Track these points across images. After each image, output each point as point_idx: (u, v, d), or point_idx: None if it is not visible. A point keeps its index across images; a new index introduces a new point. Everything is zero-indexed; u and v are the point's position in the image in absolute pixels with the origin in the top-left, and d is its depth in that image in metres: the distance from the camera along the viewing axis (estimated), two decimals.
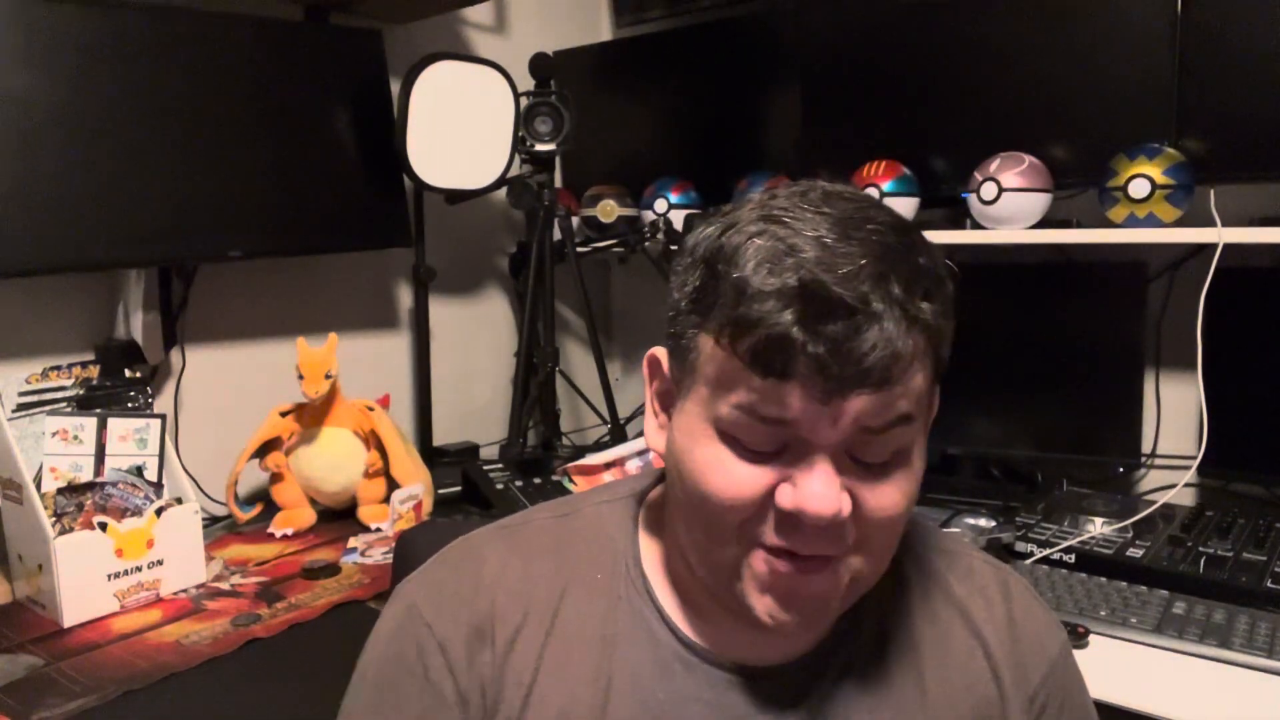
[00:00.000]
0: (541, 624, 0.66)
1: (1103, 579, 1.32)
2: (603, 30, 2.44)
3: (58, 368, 1.45)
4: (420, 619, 0.66)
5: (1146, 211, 1.44)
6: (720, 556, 0.60)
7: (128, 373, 1.51)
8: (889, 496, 0.57)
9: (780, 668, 0.65)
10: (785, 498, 0.56)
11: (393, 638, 0.67)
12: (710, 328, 0.57)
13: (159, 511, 1.36)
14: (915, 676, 0.66)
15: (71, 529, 1.30)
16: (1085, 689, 0.73)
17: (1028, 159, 1.54)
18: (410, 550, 0.99)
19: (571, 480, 1.73)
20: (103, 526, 1.30)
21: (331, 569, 1.45)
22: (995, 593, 0.70)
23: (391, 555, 1.05)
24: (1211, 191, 1.45)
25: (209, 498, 1.69)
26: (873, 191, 1.66)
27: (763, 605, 0.59)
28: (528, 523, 0.72)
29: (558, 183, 2.13)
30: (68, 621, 1.26)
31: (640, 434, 1.64)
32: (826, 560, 0.58)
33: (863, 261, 0.53)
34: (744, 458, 0.57)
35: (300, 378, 1.63)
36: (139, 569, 1.33)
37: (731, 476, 0.57)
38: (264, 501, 1.70)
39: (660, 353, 0.65)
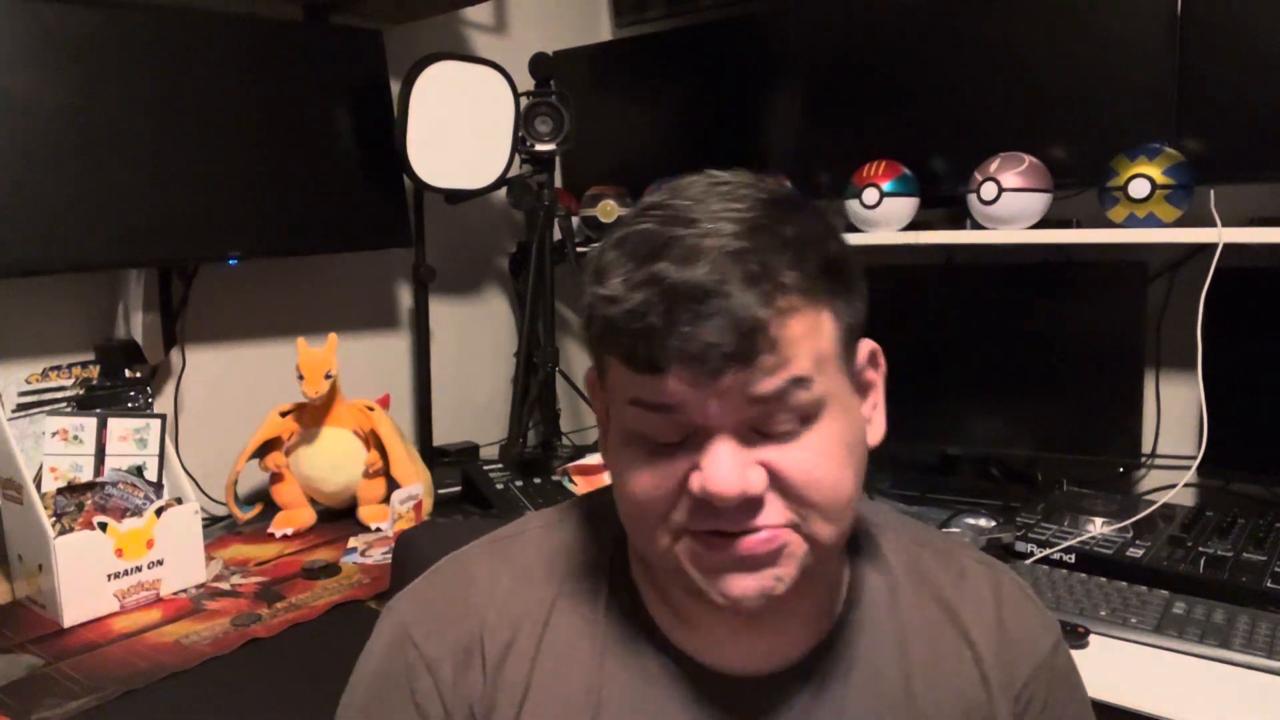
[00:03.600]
0: (532, 639, 0.66)
1: (1103, 579, 1.32)
2: (603, 30, 2.44)
3: (58, 368, 1.45)
4: (409, 639, 0.67)
5: (1146, 211, 1.44)
6: (659, 551, 0.60)
7: (128, 373, 1.51)
8: (805, 458, 0.57)
9: (770, 676, 0.65)
10: (694, 483, 0.57)
11: (383, 656, 0.68)
12: (598, 341, 0.59)
13: (159, 511, 1.36)
14: (904, 681, 0.66)
15: (71, 529, 1.30)
16: (1079, 689, 0.72)
17: (1028, 159, 1.54)
18: (410, 550, 0.99)
19: (571, 480, 1.73)
20: (103, 526, 1.30)
21: (331, 569, 1.45)
22: (987, 594, 0.70)
23: (391, 555, 1.05)
24: (1211, 191, 1.45)
25: (209, 498, 1.69)
26: (872, 192, 1.66)
27: (715, 588, 0.59)
28: (518, 535, 0.72)
29: (558, 183, 2.13)
30: (68, 621, 1.26)
31: None
32: (759, 528, 0.58)
33: (718, 243, 0.55)
34: (655, 453, 0.58)
35: (300, 378, 1.63)
36: (139, 569, 1.33)
37: (644, 475, 0.58)
38: (264, 501, 1.70)
39: (593, 374, 0.67)
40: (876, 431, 0.65)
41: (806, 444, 0.57)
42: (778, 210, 0.58)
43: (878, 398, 0.65)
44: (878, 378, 0.66)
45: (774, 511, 0.57)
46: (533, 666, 0.65)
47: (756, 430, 0.57)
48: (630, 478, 0.59)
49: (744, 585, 0.58)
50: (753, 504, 0.57)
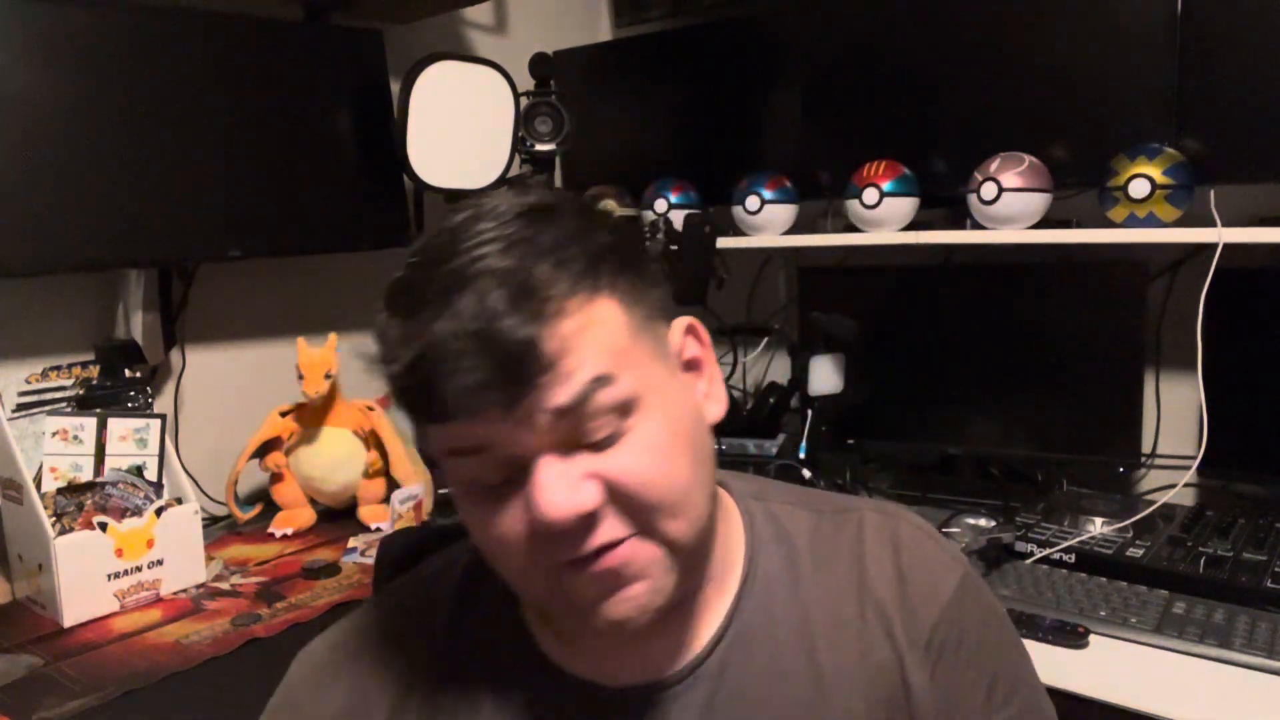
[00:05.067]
0: (425, 686, 0.65)
1: (1103, 579, 1.32)
2: (603, 30, 2.44)
3: (58, 368, 1.45)
4: (293, 693, 0.67)
5: (1146, 211, 1.44)
6: (536, 597, 0.60)
7: (128, 373, 1.51)
8: (631, 459, 0.55)
9: (664, 681, 0.63)
10: (528, 519, 0.55)
11: (272, 711, 0.68)
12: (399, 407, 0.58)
13: (159, 511, 1.36)
14: (808, 660, 0.64)
15: (71, 529, 1.30)
16: (993, 622, 0.68)
17: (1028, 159, 1.54)
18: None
19: None
20: (103, 526, 1.30)
21: (331, 569, 1.45)
22: (885, 545, 0.67)
23: None
24: (1211, 191, 1.45)
25: (209, 498, 1.69)
26: (872, 192, 1.66)
27: (598, 619, 0.57)
28: (412, 578, 0.72)
29: (558, 183, 2.13)
30: (68, 621, 1.26)
31: None
32: (616, 545, 0.56)
33: (476, 271, 0.53)
34: (490, 498, 0.56)
35: (300, 378, 1.63)
36: (139, 569, 1.33)
37: (489, 525, 0.57)
38: (264, 501, 1.70)
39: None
40: (716, 407, 0.63)
41: (629, 445, 0.55)
42: (533, 219, 0.56)
43: (711, 371, 0.64)
44: (703, 352, 0.64)
45: (615, 525, 0.55)
46: (423, 715, 0.64)
47: (576, 444, 0.55)
48: (479, 532, 0.58)
49: (620, 608, 0.57)
50: (590, 522, 0.55)
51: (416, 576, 0.73)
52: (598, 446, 0.55)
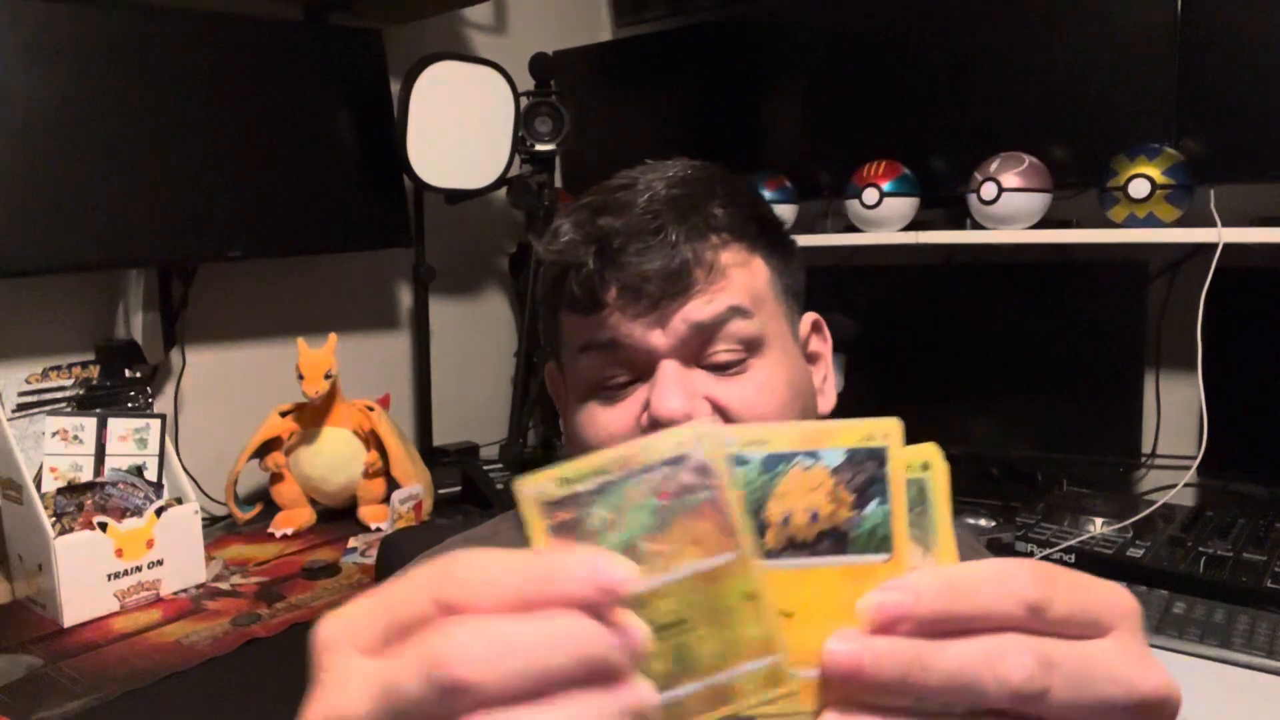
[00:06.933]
0: None
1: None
2: (603, 30, 2.44)
3: (58, 368, 1.45)
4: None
5: (1146, 211, 1.44)
6: None
7: (128, 373, 1.51)
8: (748, 392, 0.60)
9: None
10: (644, 417, 0.59)
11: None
12: (553, 304, 0.64)
13: (159, 511, 1.36)
14: None
15: (71, 529, 1.30)
16: None
17: (1028, 159, 1.54)
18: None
19: None
20: (103, 526, 1.30)
21: (331, 569, 1.45)
22: None
23: None
24: (1211, 191, 1.45)
25: (209, 498, 1.69)
26: (872, 192, 1.66)
27: None
28: (491, 536, 0.73)
29: (558, 183, 2.13)
30: (68, 621, 1.26)
31: None
32: None
33: (653, 193, 0.61)
34: (609, 402, 0.61)
35: (300, 378, 1.62)
36: (139, 569, 1.33)
37: (601, 422, 0.61)
38: (264, 501, 1.70)
39: (552, 366, 0.70)
40: (827, 401, 0.67)
41: (749, 379, 0.61)
42: (708, 173, 0.65)
43: (826, 369, 0.69)
44: (824, 348, 0.69)
45: None
46: None
47: (701, 365, 0.60)
48: (590, 429, 0.61)
49: None
50: None
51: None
52: (721, 369, 0.60)
